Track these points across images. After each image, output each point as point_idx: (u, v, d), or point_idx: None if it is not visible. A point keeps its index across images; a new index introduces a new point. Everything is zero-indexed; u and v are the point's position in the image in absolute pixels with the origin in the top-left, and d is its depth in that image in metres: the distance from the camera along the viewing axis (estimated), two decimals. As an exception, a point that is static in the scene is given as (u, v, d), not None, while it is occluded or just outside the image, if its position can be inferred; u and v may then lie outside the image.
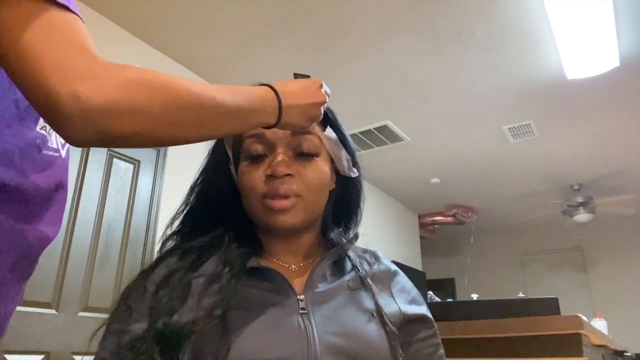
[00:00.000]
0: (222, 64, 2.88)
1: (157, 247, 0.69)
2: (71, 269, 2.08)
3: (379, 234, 4.93)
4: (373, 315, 0.63)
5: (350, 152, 0.72)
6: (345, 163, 0.71)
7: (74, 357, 1.97)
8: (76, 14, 0.50)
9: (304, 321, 0.58)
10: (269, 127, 0.62)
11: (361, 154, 0.73)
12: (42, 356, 1.89)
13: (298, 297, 0.61)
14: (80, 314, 2.07)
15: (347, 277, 0.66)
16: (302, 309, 0.60)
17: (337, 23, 2.55)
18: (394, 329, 0.63)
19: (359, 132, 3.78)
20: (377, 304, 0.64)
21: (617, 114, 3.53)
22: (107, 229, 2.28)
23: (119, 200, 2.37)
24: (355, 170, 0.72)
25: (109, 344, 0.57)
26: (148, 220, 2.49)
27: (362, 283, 0.66)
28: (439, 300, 2.69)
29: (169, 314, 0.56)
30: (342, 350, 0.57)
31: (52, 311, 1.97)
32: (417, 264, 5.75)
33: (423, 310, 0.70)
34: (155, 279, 0.61)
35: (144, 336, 0.55)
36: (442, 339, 0.70)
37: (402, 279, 0.73)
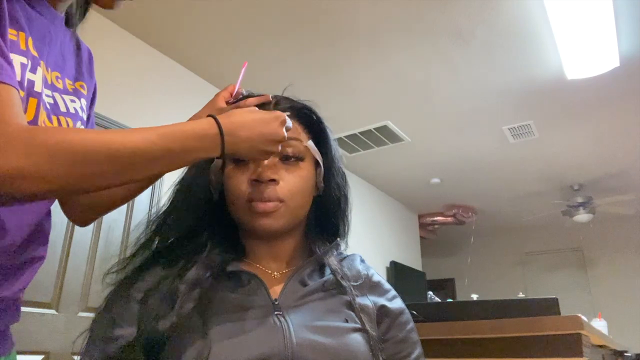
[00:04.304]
0: (223, 65, 2.88)
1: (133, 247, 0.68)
2: (71, 269, 2.08)
3: (379, 234, 4.93)
4: (350, 315, 0.63)
5: (329, 165, 0.72)
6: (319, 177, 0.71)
7: (74, 357, 1.97)
8: (3, 82, 0.53)
9: (279, 320, 0.59)
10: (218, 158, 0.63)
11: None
12: (42, 356, 1.89)
13: (274, 299, 0.62)
14: (80, 314, 2.07)
15: (324, 281, 0.66)
16: (278, 311, 0.60)
17: (338, 23, 2.55)
18: (371, 326, 0.63)
19: (359, 132, 3.78)
20: (353, 304, 0.64)
21: (617, 114, 3.53)
22: (107, 229, 2.28)
23: (119, 200, 2.36)
24: (323, 185, 0.71)
25: (94, 351, 0.58)
26: (148, 221, 2.49)
27: (339, 286, 0.66)
28: (439, 300, 2.69)
29: (156, 320, 0.57)
30: (319, 346, 0.57)
31: (52, 311, 1.97)
32: (417, 264, 5.75)
33: (398, 303, 0.70)
34: (142, 286, 0.61)
35: (132, 343, 0.56)
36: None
37: (381, 281, 0.73)
